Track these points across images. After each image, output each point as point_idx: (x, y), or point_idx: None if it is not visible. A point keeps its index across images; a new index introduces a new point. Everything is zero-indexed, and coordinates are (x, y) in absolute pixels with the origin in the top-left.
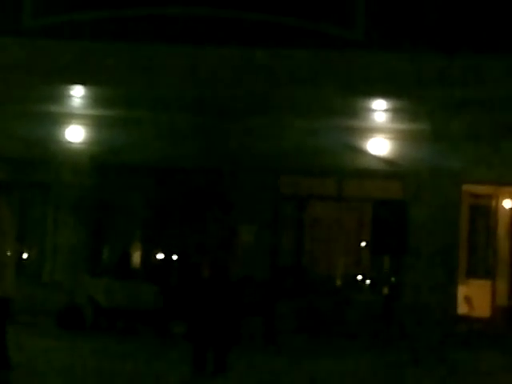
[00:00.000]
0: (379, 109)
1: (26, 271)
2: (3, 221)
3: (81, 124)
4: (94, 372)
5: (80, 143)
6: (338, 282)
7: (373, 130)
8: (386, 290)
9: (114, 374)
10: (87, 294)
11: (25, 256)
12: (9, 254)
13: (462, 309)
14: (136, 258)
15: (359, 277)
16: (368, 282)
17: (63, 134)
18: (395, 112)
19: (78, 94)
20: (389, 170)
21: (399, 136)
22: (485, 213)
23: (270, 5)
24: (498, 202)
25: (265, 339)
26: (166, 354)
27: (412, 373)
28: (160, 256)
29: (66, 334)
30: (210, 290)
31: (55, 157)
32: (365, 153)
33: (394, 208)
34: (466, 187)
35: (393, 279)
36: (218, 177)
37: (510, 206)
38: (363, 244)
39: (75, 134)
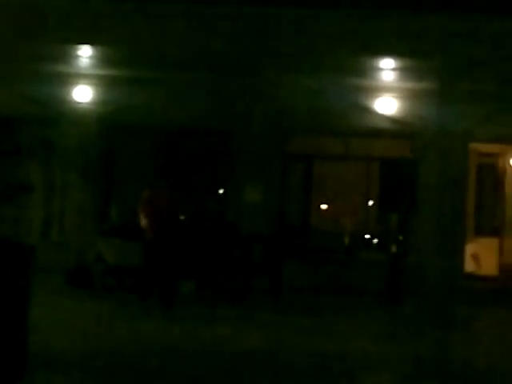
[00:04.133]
0: (387, 67)
1: None
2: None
3: (88, 84)
4: (101, 329)
5: (88, 103)
6: (346, 241)
7: (381, 89)
8: (393, 248)
9: (121, 331)
10: (96, 252)
11: None
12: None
13: (470, 267)
14: None
15: (367, 235)
16: (376, 240)
17: (71, 94)
18: (403, 71)
19: (85, 53)
20: (396, 129)
21: (407, 95)
22: (492, 171)
23: None
24: (505, 161)
25: (271, 297)
26: (173, 312)
27: (418, 330)
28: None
29: (74, 292)
30: (219, 248)
31: (63, 116)
32: (372, 112)
33: (402, 166)
34: (474, 146)
35: (400, 237)
36: (226, 137)
37: None
38: (371, 203)
39: (83, 94)
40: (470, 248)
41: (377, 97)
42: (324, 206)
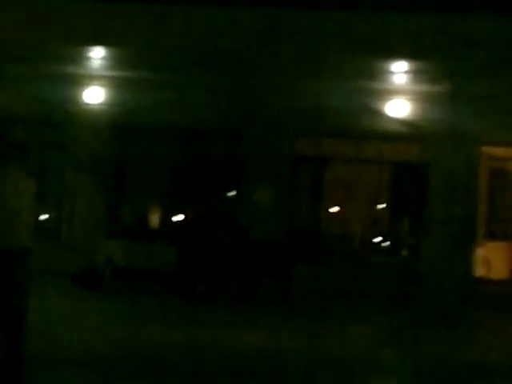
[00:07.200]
0: (399, 70)
1: (44, 232)
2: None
3: (99, 85)
4: (109, 329)
5: (99, 104)
6: (357, 244)
7: (393, 92)
8: (404, 252)
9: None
10: (105, 254)
11: (43, 217)
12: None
13: (480, 271)
14: (155, 219)
15: (378, 239)
16: (386, 243)
17: (82, 96)
18: (415, 74)
19: (96, 55)
20: (408, 131)
21: (419, 98)
22: (504, 175)
23: None
24: None
25: (280, 300)
26: (181, 313)
27: (430, 333)
28: (179, 217)
29: (83, 294)
30: (229, 250)
31: (74, 118)
32: (384, 115)
33: (413, 170)
34: (485, 149)
35: (411, 241)
36: (236, 138)
37: None
38: (382, 206)
39: (94, 96)
40: (480, 252)
41: (389, 99)
42: (335, 209)
